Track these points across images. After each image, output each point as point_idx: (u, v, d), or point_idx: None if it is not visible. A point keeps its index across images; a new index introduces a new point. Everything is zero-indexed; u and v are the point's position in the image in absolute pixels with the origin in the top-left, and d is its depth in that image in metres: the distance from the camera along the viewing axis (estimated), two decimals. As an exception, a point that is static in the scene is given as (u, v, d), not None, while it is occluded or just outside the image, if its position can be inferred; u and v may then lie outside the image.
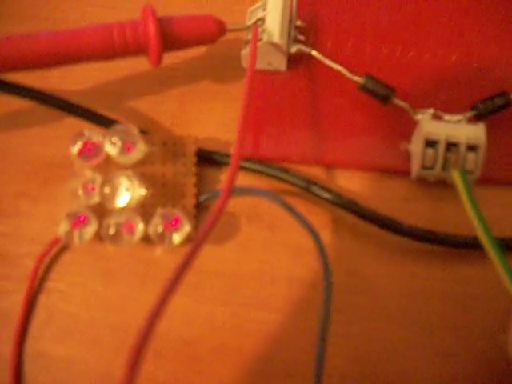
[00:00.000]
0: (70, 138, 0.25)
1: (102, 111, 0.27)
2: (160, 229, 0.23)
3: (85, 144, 0.23)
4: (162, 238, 0.23)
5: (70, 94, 0.28)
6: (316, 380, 0.21)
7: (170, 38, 0.25)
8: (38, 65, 0.24)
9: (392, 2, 0.29)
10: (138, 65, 0.27)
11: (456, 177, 0.23)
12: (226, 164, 0.26)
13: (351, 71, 0.26)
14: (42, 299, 0.25)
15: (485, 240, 0.22)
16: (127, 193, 0.23)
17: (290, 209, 0.24)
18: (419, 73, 0.27)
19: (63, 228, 0.23)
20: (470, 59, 0.27)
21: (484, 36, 0.28)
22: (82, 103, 0.26)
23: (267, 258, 0.25)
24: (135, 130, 0.24)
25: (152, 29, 0.24)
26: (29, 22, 0.30)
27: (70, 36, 0.24)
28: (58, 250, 0.25)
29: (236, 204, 0.25)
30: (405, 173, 0.25)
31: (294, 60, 0.27)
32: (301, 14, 0.28)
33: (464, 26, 0.28)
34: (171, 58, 0.26)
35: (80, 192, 0.24)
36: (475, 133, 0.24)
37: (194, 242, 0.18)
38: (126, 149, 0.23)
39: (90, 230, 0.24)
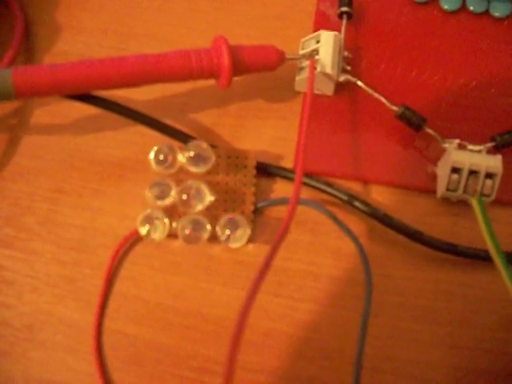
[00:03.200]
0: (142, 143, 0.29)
1: (167, 121, 0.31)
2: (228, 232, 0.27)
3: (166, 156, 0.27)
4: (228, 239, 0.28)
5: (137, 103, 0.31)
6: (357, 365, 0.25)
7: (239, 65, 0.29)
8: (126, 85, 0.28)
9: (420, 34, 0.33)
10: (202, 81, 0.30)
11: (475, 204, 0.28)
12: (278, 175, 0.30)
13: (390, 100, 0.30)
14: (117, 285, 0.29)
15: (495, 255, 0.26)
16: (200, 199, 0.27)
17: (335, 218, 0.28)
18: (446, 97, 0.31)
19: (143, 227, 0.27)
20: (489, 84, 0.32)
21: (502, 63, 0.32)
22: (149, 112, 0.30)
23: (311, 258, 0.29)
24: (206, 146, 0.28)
25: (226, 57, 0.28)
26: (97, 34, 0.34)
27: (154, 61, 0.28)
28: (131, 243, 0.29)
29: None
30: (430, 191, 0.30)
31: (340, 86, 0.31)
32: (347, 45, 0.32)
33: (483, 52, 0.32)
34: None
35: (157, 196, 0.28)
36: (493, 163, 0.28)
37: (272, 246, 0.23)
38: (198, 162, 0.27)
39: (165, 229, 0.28)
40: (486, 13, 0.34)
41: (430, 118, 0.30)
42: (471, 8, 0.34)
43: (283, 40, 0.32)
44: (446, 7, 0.34)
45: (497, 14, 0.34)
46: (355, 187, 0.30)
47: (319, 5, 0.34)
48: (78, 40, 0.34)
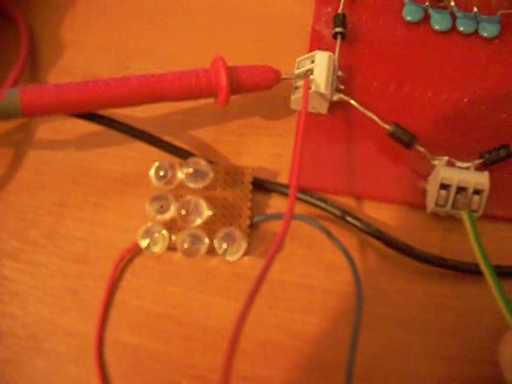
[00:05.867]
0: (143, 159, 0.30)
1: (168, 137, 0.32)
2: (225, 245, 0.29)
3: (166, 172, 0.29)
4: (225, 252, 0.29)
5: (139, 120, 0.32)
6: (348, 375, 0.26)
7: (237, 84, 0.30)
8: (128, 104, 0.29)
9: (412, 54, 0.34)
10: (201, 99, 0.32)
11: (465, 217, 0.29)
12: (274, 191, 0.31)
13: (382, 118, 0.31)
14: (119, 296, 0.30)
15: (484, 268, 0.27)
16: (198, 214, 0.28)
17: (328, 233, 0.29)
18: (437, 114, 0.33)
19: (143, 240, 0.29)
20: (478, 102, 0.33)
21: (491, 82, 0.34)
22: (150, 129, 0.31)
23: (305, 271, 0.30)
24: (205, 163, 0.29)
25: (223, 77, 0.29)
26: (99, 52, 0.35)
27: (155, 81, 0.29)
28: (132, 256, 0.30)
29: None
30: (421, 206, 0.31)
31: (334, 105, 0.32)
32: (341, 64, 0.33)
33: (473, 70, 0.34)
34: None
35: (157, 211, 0.29)
36: (481, 180, 0.29)
37: (267, 260, 0.24)
38: (197, 178, 0.29)
39: (165, 242, 0.29)
40: (476, 33, 0.36)
41: (421, 134, 0.31)
42: (461, 28, 0.36)
43: (280, 59, 0.33)
44: (436, 27, 0.36)
45: (485, 35, 0.35)
46: (349, 202, 0.31)
47: (315, 25, 0.35)
48: (81, 57, 0.35)
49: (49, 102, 0.27)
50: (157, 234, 0.29)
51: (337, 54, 0.33)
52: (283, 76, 0.31)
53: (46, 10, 0.37)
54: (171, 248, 0.30)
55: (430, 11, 0.36)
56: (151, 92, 0.28)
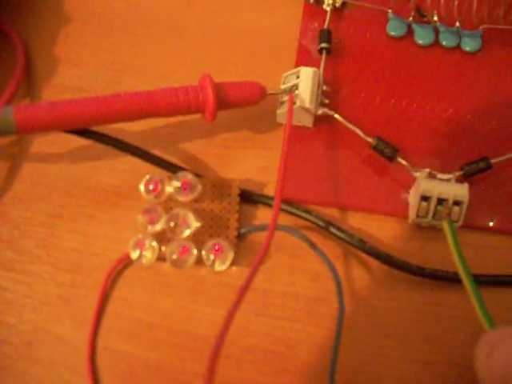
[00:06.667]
0: (134, 171, 0.32)
1: (157, 151, 0.33)
2: (212, 256, 0.30)
3: (155, 186, 0.30)
4: (213, 262, 0.30)
5: (130, 133, 0.33)
6: (331, 379, 0.28)
7: (224, 101, 0.31)
8: (119, 120, 0.30)
9: (396, 68, 0.36)
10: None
11: (445, 226, 0.30)
12: (260, 202, 0.32)
13: (365, 132, 0.32)
14: (110, 305, 0.31)
15: (463, 276, 0.28)
16: (187, 226, 0.30)
17: (311, 244, 0.30)
18: (420, 126, 0.34)
19: (134, 252, 0.30)
20: (460, 115, 0.34)
21: (472, 95, 0.35)
22: (140, 143, 0.33)
23: (291, 280, 0.31)
24: (193, 177, 0.30)
25: (210, 95, 0.30)
26: (92, 68, 0.36)
27: (145, 98, 0.30)
28: (123, 266, 0.32)
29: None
30: (403, 217, 0.32)
31: (319, 118, 0.33)
32: (326, 78, 0.34)
33: (456, 84, 0.35)
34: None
35: (147, 222, 0.30)
36: (461, 191, 0.30)
37: (252, 269, 0.25)
38: (185, 191, 0.30)
39: (155, 253, 0.30)
40: (458, 47, 0.37)
41: (404, 146, 0.33)
42: (444, 43, 0.37)
43: (268, 73, 0.35)
44: (420, 42, 0.37)
45: (467, 49, 0.37)
46: (333, 213, 0.32)
47: (301, 40, 0.37)
48: (75, 73, 0.37)
49: (42, 120, 0.28)
50: (147, 246, 0.30)
51: (322, 69, 0.34)
52: (269, 91, 0.32)
53: (41, 27, 0.38)
54: (161, 258, 0.31)
55: (414, 26, 0.37)
56: (141, 109, 0.29)
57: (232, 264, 0.31)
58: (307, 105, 0.32)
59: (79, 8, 0.39)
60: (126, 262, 0.31)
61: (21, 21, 0.38)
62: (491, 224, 0.32)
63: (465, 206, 0.30)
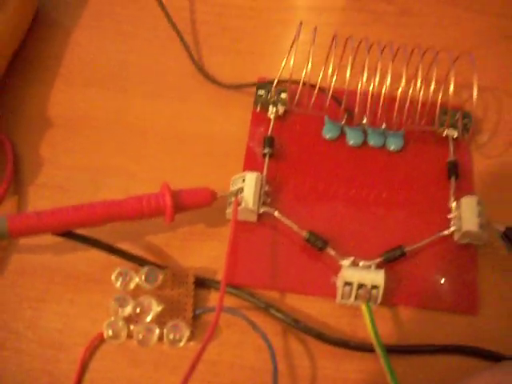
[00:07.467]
0: (108, 261, 0.38)
1: (127, 244, 0.40)
2: (172, 335, 0.36)
3: (124, 278, 0.36)
4: (173, 341, 0.36)
5: (103, 229, 0.40)
6: None
7: (180, 205, 0.38)
8: (93, 225, 0.37)
9: (330, 167, 0.43)
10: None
11: (363, 309, 0.37)
12: (213, 287, 0.39)
13: (300, 226, 0.39)
14: (88, 376, 0.37)
15: (377, 348, 0.35)
16: (150, 310, 0.36)
17: (253, 324, 0.37)
18: (348, 220, 0.41)
19: (107, 332, 0.36)
20: (384, 207, 0.41)
21: (396, 188, 0.42)
22: (112, 237, 0.39)
23: (238, 353, 0.38)
24: (155, 269, 0.37)
25: (169, 201, 0.37)
26: (73, 170, 0.43)
27: (115, 206, 0.37)
28: (98, 343, 0.38)
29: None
30: (333, 297, 0.39)
31: (262, 214, 0.40)
32: (269, 178, 0.41)
33: (382, 178, 0.43)
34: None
35: (118, 307, 0.37)
36: (377, 278, 0.37)
37: (202, 345, 0.32)
38: (150, 281, 0.36)
39: (124, 333, 0.37)
40: (384, 147, 0.44)
41: (335, 237, 0.40)
42: (371, 143, 0.44)
43: (221, 173, 0.42)
44: (351, 143, 0.44)
45: (392, 148, 0.44)
46: (274, 295, 0.39)
47: (249, 143, 0.44)
48: (57, 173, 0.43)
49: (31, 226, 0.35)
50: (118, 326, 0.36)
51: (265, 172, 0.41)
52: (219, 195, 0.39)
53: (28, 131, 0.45)
54: (130, 336, 0.37)
55: (345, 129, 0.44)
56: (112, 216, 0.36)
57: (189, 340, 0.37)
58: (250, 206, 0.39)
59: (61, 113, 0.46)
60: (100, 340, 0.37)
61: (9, 125, 0.45)
62: (405, 301, 0.38)
63: (381, 289, 0.37)
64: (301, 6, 0.54)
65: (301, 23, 0.41)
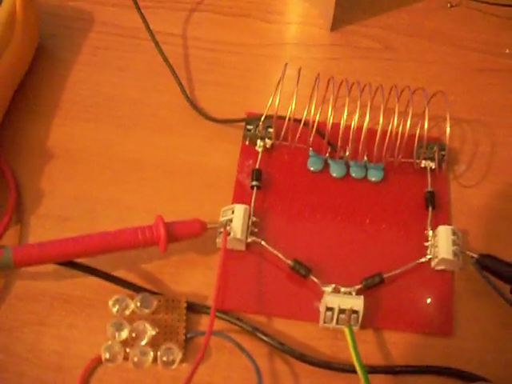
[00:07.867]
0: (105, 287, 0.41)
1: (123, 271, 0.42)
2: (165, 357, 0.39)
3: (120, 304, 0.39)
4: (167, 362, 0.39)
5: (101, 258, 0.43)
6: None
7: (173, 236, 0.40)
8: (91, 256, 0.39)
9: (315, 197, 0.46)
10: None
11: (346, 331, 0.39)
12: (204, 312, 0.41)
13: (285, 254, 0.42)
14: (86, 397, 0.40)
15: (358, 369, 0.38)
16: (145, 335, 0.39)
17: (240, 347, 0.40)
18: (330, 248, 0.44)
19: (105, 355, 0.39)
20: (364, 237, 0.44)
21: (377, 218, 0.45)
22: (110, 264, 0.42)
23: (227, 374, 0.40)
24: (149, 296, 0.39)
25: (162, 233, 0.40)
26: (70, 199, 0.46)
27: (112, 238, 0.39)
28: (96, 365, 0.40)
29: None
30: (316, 321, 0.41)
31: (250, 243, 0.43)
32: (257, 209, 0.44)
33: (364, 208, 0.46)
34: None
35: (115, 331, 0.39)
36: (357, 303, 0.40)
37: (194, 366, 0.34)
38: (144, 307, 0.39)
39: (120, 356, 0.39)
40: (365, 178, 0.47)
41: (318, 264, 0.42)
42: (353, 175, 0.47)
43: (211, 204, 0.45)
44: (334, 175, 0.47)
45: (373, 179, 0.47)
46: (261, 319, 0.41)
47: (238, 175, 0.47)
48: (57, 204, 0.46)
49: (34, 257, 0.38)
50: (115, 349, 0.39)
51: (252, 203, 0.44)
52: (209, 226, 0.42)
53: (29, 164, 0.48)
54: (126, 358, 0.40)
55: (329, 161, 0.47)
56: (109, 247, 0.39)
57: (182, 362, 0.40)
58: (239, 236, 0.41)
59: (60, 145, 0.49)
60: (98, 362, 0.40)
61: (11, 156, 0.48)
62: (385, 324, 0.41)
63: (361, 314, 0.40)
64: (289, 42, 0.57)
65: (286, 64, 0.44)
